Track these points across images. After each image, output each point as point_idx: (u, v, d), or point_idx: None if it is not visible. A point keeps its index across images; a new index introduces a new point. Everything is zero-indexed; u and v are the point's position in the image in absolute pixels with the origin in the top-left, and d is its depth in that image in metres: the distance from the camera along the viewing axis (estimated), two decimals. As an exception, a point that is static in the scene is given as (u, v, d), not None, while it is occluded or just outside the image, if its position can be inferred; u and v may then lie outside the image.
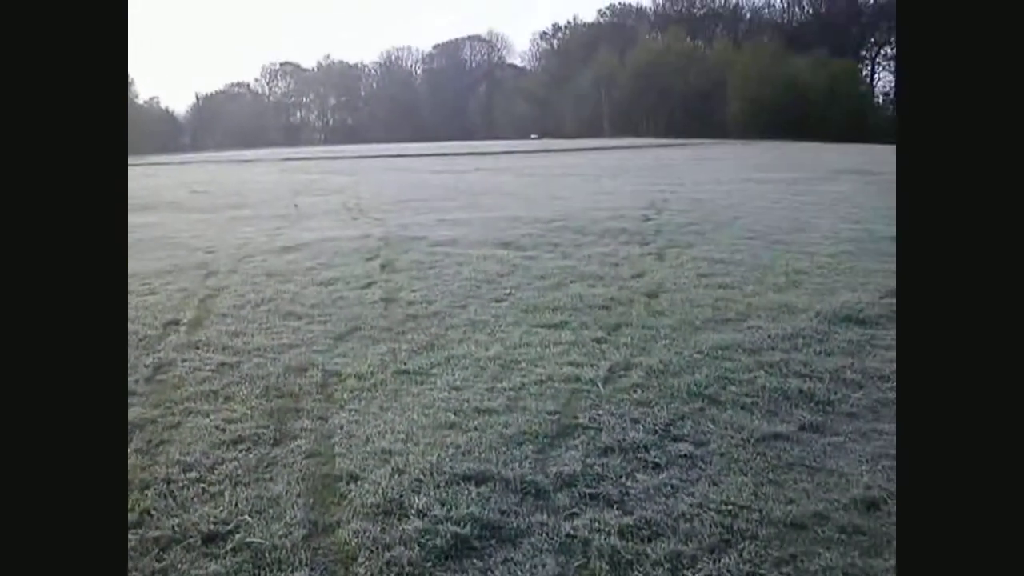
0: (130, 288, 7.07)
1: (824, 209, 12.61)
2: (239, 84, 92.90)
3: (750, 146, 40.06)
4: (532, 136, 66.21)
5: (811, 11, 71.15)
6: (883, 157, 24.21)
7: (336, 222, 12.13)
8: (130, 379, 4.51)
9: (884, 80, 66.87)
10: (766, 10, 73.80)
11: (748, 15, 75.11)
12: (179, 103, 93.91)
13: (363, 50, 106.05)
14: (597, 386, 4.25)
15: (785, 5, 72.56)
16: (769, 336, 5.17)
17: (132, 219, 13.15)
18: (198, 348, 5.20)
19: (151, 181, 23.41)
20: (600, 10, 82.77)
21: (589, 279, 7.19)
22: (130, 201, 16.37)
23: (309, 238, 10.11)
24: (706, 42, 71.86)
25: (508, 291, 6.75)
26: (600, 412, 3.89)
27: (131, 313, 6.12)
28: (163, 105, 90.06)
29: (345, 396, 4.21)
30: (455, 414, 3.89)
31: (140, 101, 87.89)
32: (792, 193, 15.40)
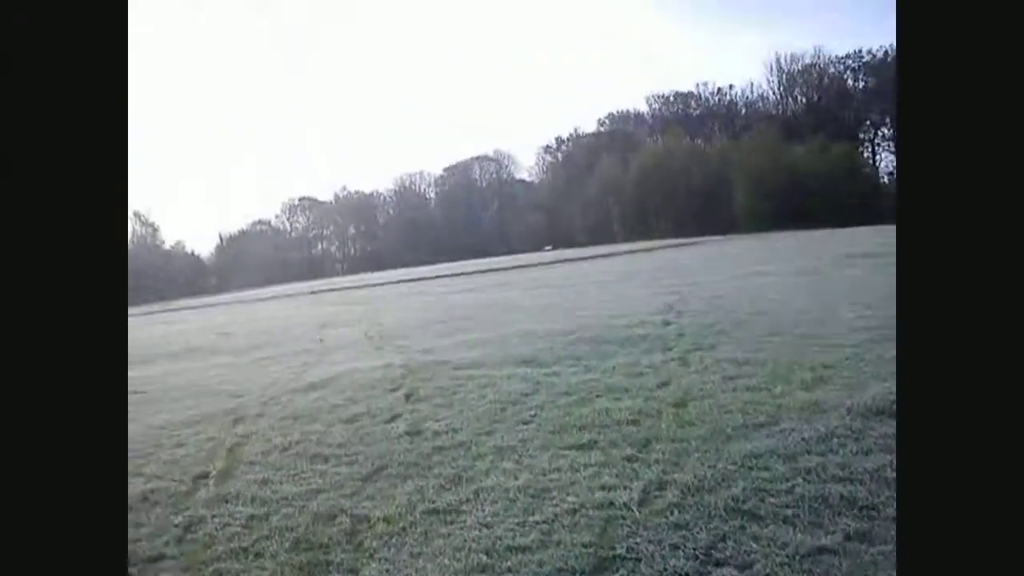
0: (160, 441, 7.13)
1: (841, 297, 12.56)
2: (261, 222, 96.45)
3: (760, 238, 40.45)
4: (546, 248, 67.43)
5: (804, 100, 73.49)
6: (893, 239, 24.25)
7: (360, 353, 12.23)
8: (160, 541, 4.48)
9: (886, 160, 68.10)
10: (760, 104, 76.30)
11: (744, 110, 77.67)
12: (204, 245, 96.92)
13: (377, 178, 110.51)
14: (632, 510, 4.14)
15: (778, 97, 75.05)
16: (803, 439, 5.06)
17: (161, 367, 13.39)
18: (227, 502, 5.17)
19: (178, 327, 23.93)
20: (600, 119, 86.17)
21: (615, 392, 7.14)
22: (158, 349, 16.73)
23: (334, 372, 10.18)
24: (705, 140, 74.12)
25: (533, 412, 6.70)
26: (638, 540, 3.77)
27: (161, 468, 6.15)
28: (188, 249, 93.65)
29: (375, 544, 4.13)
30: (487, 555, 3.79)
31: (166, 247, 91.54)
32: (808, 283, 15.41)
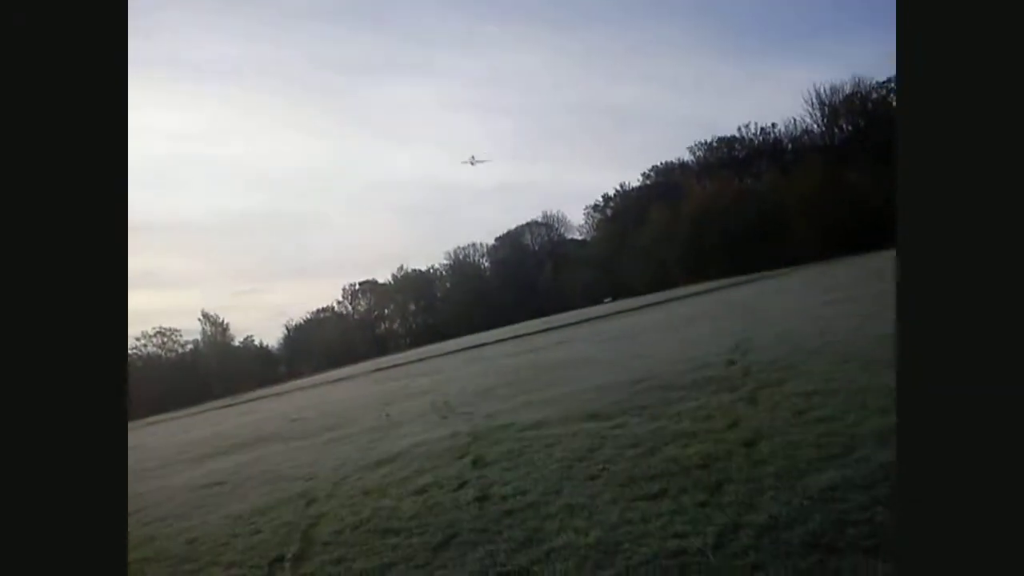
0: (236, 530, 7.24)
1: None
2: (324, 309, 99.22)
3: (821, 268, 39.48)
4: (605, 300, 67.15)
5: (850, 128, 72.43)
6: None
7: (426, 425, 12.28)
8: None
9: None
10: (805, 137, 75.50)
11: (790, 145, 76.92)
12: (271, 336, 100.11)
13: (432, 256, 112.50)
14: (706, 556, 4.00)
15: (823, 129, 74.18)
16: (880, 466, 4.84)
17: (235, 458, 13.67)
18: (303, 583, 5.19)
19: (251, 418, 24.48)
20: (645, 172, 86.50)
21: (682, 438, 6.98)
22: (232, 441, 17.12)
23: (401, 446, 10.23)
24: (754, 179, 73.46)
25: (601, 466, 6.59)
26: (714, 585, 3.64)
27: (239, 555, 6.24)
28: (257, 342, 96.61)
29: (449, 611, 4.08)
30: (561, 613, 3.70)
31: (236, 343, 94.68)
32: (876, 308, 14.90)
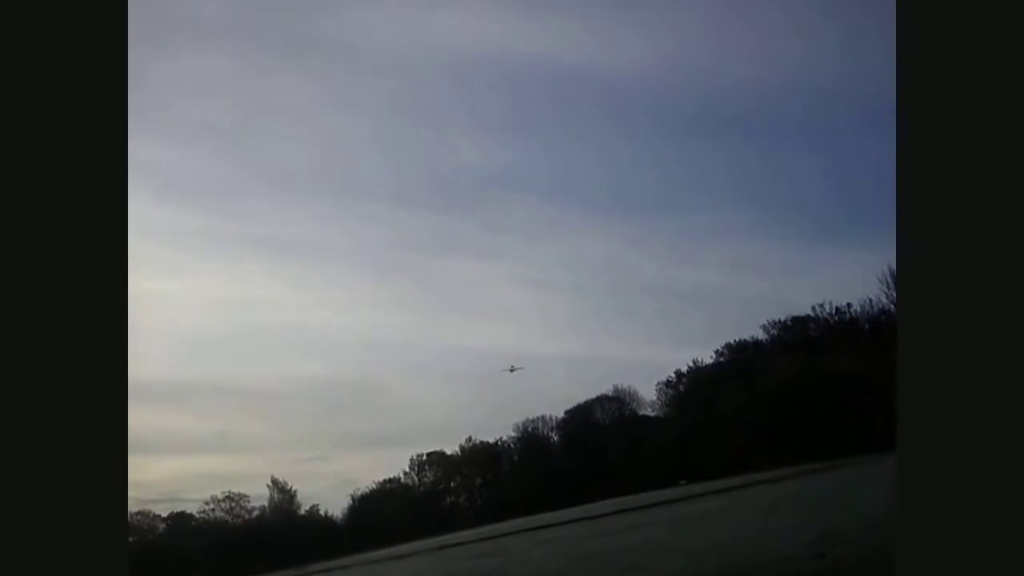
0: None
1: None
2: (391, 480, 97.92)
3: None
4: (681, 482, 64.42)
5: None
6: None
7: (494, 609, 11.81)
8: None
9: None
10: (883, 316, 73.96)
11: (867, 325, 75.37)
12: (337, 506, 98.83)
13: (500, 428, 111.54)
14: None
15: (891, 299, 72.67)
16: None
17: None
18: None
19: (314, 592, 23.82)
20: (718, 350, 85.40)
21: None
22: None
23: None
24: (831, 359, 71.54)
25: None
26: None
27: None
28: (323, 511, 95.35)
29: None
30: None
31: (303, 512, 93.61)
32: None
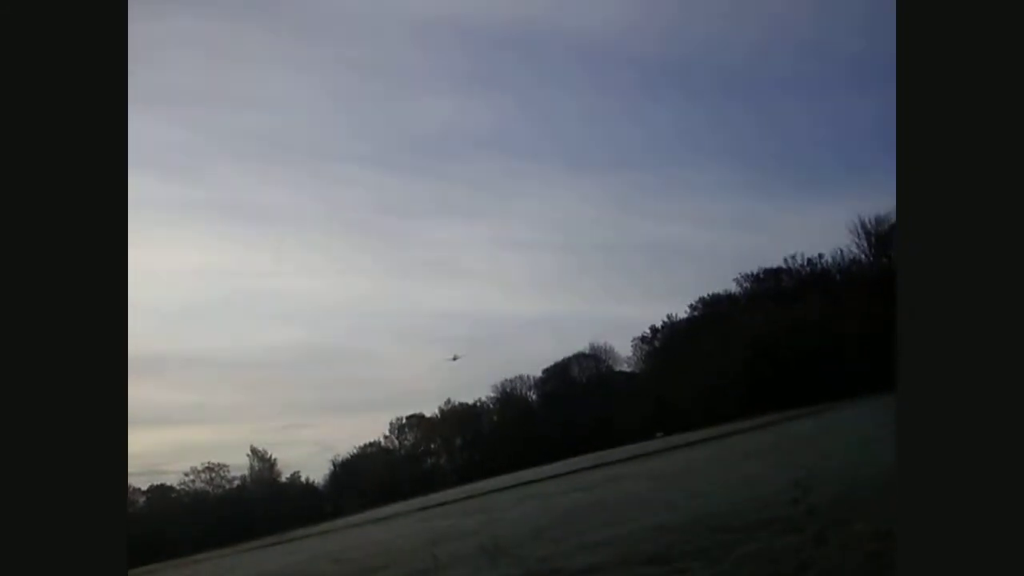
0: None
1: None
2: (371, 444, 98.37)
3: (885, 400, 38.05)
4: (657, 435, 65.39)
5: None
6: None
7: (475, 567, 11.83)
8: None
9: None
10: (854, 267, 74.99)
11: (838, 276, 76.38)
12: (317, 472, 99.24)
13: (479, 389, 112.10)
14: None
15: (871, 259, 73.70)
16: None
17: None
18: None
19: (295, 558, 23.92)
20: (692, 304, 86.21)
21: (749, 584, 6.58)
22: (277, 582, 16.62)
23: (450, 591, 9.84)
24: (805, 310, 72.49)
25: (663, 614, 6.21)
26: None
27: None
28: (303, 478, 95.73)
29: None
30: None
31: (283, 479, 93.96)
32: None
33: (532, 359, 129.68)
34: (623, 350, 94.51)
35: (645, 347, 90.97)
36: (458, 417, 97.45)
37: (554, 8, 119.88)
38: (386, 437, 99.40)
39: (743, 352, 65.86)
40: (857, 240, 74.39)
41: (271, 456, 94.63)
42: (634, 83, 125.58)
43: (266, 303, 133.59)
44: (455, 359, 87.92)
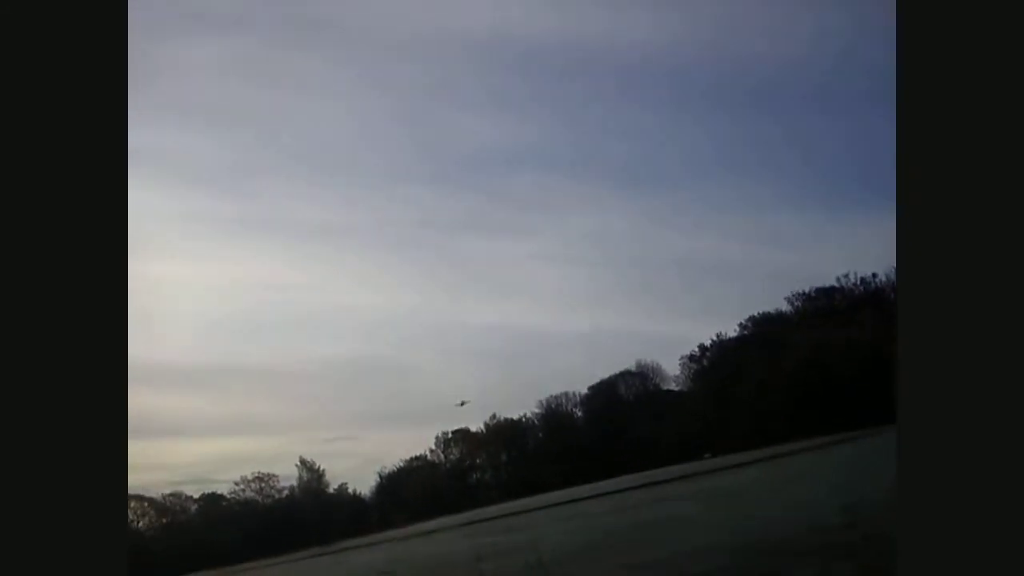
0: None
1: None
2: (417, 458, 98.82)
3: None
4: (705, 455, 64.36)
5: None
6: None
7: (520, 584, 11.85)
8: None
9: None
10: (911, 286, 72.97)
11: (893, 295, 74.43)
12: (365, 484, 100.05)
13: (525, 403, 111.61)
14: None
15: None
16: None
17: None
18: None
19: (341, 568, 24.18)
20: (742, 323, 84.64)
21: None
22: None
23: (496, 607, 9.88)
24: (858, 330, 70.65)
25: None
26: None
27: None
28: (351, 490, 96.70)
29: None
30: None
31: (331, 490, 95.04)
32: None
33: (575, 375, 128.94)
34: (670, 368, 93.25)
35: (693, 366, 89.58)
36: (503, 433, 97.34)
37: (599, 27, 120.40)
38: (432, 451, 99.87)
39: (794, 372, 64.43)
40: (914, 259, 72.35)
41: (319, 467, 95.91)
42: (673, 100, 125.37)
43: (315, 316, 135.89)
44: (463, 404, 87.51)
